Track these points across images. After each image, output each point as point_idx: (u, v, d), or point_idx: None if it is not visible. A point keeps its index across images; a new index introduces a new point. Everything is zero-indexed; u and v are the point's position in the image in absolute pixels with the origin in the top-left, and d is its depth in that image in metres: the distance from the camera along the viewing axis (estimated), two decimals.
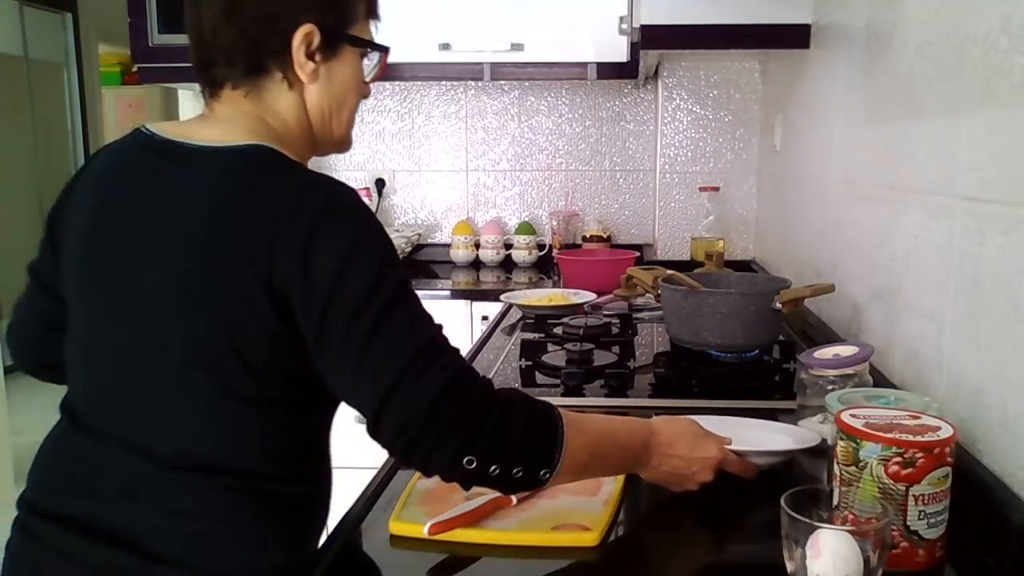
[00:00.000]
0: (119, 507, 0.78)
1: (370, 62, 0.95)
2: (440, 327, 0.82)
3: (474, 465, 0.74)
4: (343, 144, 0.96)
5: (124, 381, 0.81)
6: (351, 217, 0.78)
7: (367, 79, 0.94)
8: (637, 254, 2.30)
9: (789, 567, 0.66)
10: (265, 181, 0.79)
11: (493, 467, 0.75)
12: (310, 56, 0.86)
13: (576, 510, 0.86)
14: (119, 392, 0.81)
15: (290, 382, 0.80)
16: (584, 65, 2.42)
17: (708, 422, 0.98)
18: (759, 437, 1.02)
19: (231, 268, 0.76)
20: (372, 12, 0.92)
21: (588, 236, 2.67)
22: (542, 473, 0.78)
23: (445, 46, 2.40)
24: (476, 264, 2.78)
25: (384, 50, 0.94)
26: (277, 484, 0.81)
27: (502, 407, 0.77)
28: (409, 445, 0.74)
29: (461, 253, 2.75)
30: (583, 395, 1.30)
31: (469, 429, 0.74)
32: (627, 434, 0.89)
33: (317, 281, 0.74)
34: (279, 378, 0.79)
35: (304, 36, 0.85)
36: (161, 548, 0.76)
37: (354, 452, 1.43)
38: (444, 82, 2.76)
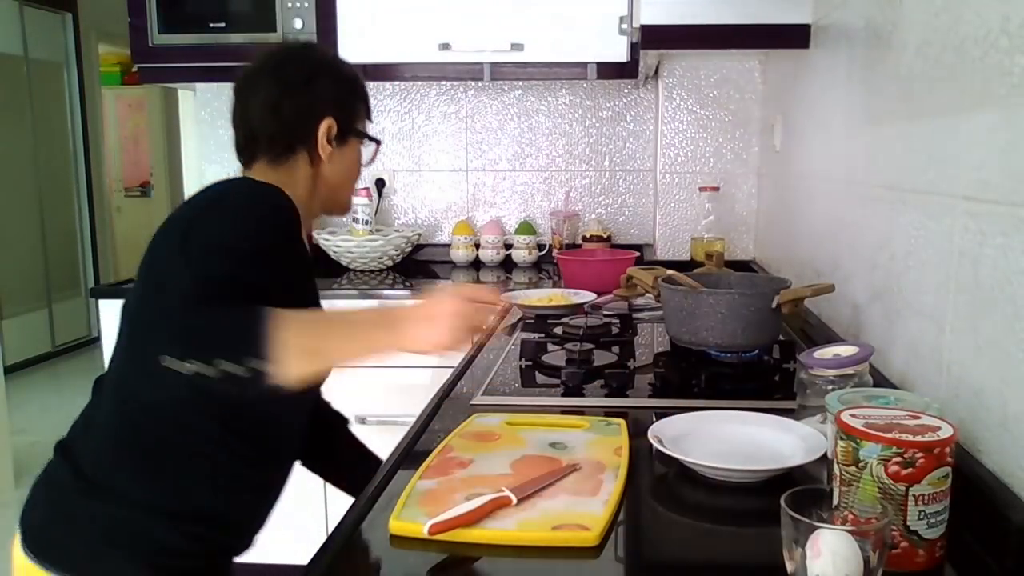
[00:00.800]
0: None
1: (367, 150, 1.29)
2: None
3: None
4: (347, 208, 1.30)
5: None
6: None
7: (364, 162, 1.28)
8: (637, 254, 2.30)
9: (789, 567, 0.66)
10: None
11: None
12: (328, 142, 1.19)
13: (576, 510, 0.86)
14: None
15: None
16: (584, 65, 2.42)
17: (718, 417, 1.07)
18: (767, 436, 1.02)
19: None
20: (368, 114, 1.27)
21: (588, 236, 2.67)
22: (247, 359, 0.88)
23: (445, 46, 2.40)
24: (476, 264, 2.78)
25: (378, 142, 1.28)
26: None
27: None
28: None
29: (461, 253, 2.75)
30: (583, 395, 1.30)
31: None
32: (352, 314, 1.00)
33: None
34: None
35: (327, 128, 1.19)
36: None
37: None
38: (444, 82, 2.76)
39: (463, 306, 0.96)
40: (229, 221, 1.01)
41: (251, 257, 0.99)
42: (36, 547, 1.04)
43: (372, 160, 1.30)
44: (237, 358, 0.87)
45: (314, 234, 2.64)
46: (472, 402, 1.27)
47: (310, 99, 1.17)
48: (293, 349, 0.88)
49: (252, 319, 0.89)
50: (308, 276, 1.19)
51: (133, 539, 1.02)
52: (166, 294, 0.96)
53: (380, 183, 2.85)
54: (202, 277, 0.94)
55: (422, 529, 0.81)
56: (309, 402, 1.28)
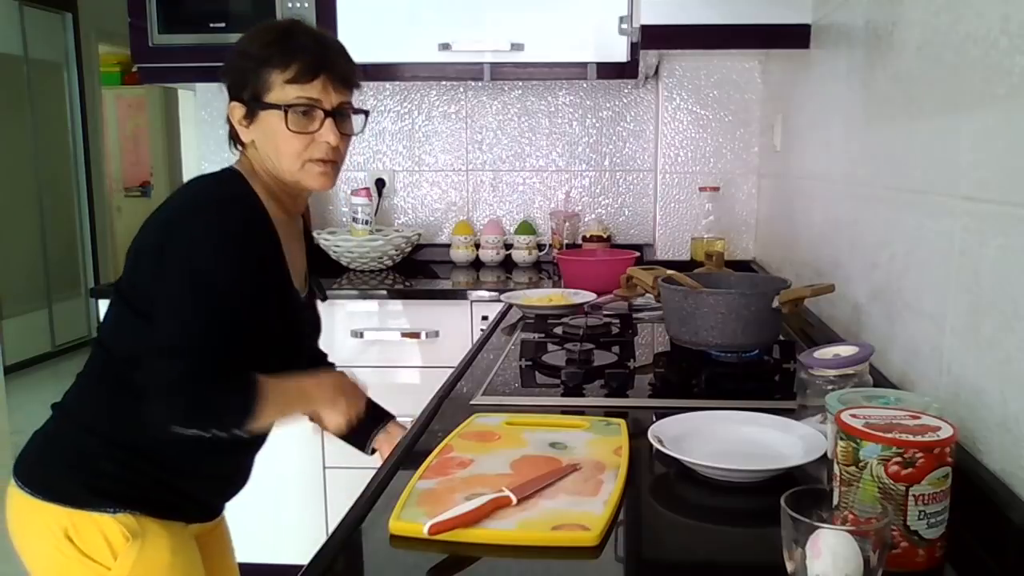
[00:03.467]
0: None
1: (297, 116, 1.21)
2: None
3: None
4: (301, 182, 1.24)
5: None
6: None
7: (292, 128, 1.19)
8: (637, 254, 2.29)
9: (789, 567, 0.66)
10: None
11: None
12: (240, 124, 1.23)
13: (576, 510, 0.86)
14: None
15: None
16: (584, 65, 2.42)
17: (718, 417, 1.07)
18: (767, 436, 1.02)
19: None
20: (294, 78, 1.18)
21: (588, 236, 2.67)
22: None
23: (445, 46, 2.40)
24: (476, 264, 2.78)
25: (285, 108, 1.19)
26: None
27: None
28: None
29: (461, 253, 2.75)
30: (583, 395, 1.30)
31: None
32: (304, 387, 1.26)
33: None
34: None
35: (232, 111, 1.23)
36: None
37: (354, 452, 1.43)
38: (444, 82, 2.76)
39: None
40: (194, 251, 1.13)
41: (221, 294, 1.12)
42: (17, 468, 1.23)
43: (363, 130, 1.30)
44: (227, 429, 1.14)
45: (314, 234, 2.64)
46: (472, 402, 1.27)
47: (227, 88, 1.23)
48: (267, 417, 1.16)
49: (240, 401, 1.13)
50: (279, 268, 1.25)
51: (80, 458, 1.20)
52: (154, 331, 1.13)
53: (380, 183, 2.85)
54: (183, 332, 1.11)
55: (422, 529, 0.81)
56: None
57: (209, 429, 1.12)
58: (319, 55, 1.20)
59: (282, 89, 1.18)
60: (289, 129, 1.18)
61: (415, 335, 2.30)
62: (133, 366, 1.14)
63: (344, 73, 1.23)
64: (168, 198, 1.22)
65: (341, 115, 1.23)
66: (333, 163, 1.24)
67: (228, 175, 1.24)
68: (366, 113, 1.31)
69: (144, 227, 1.20)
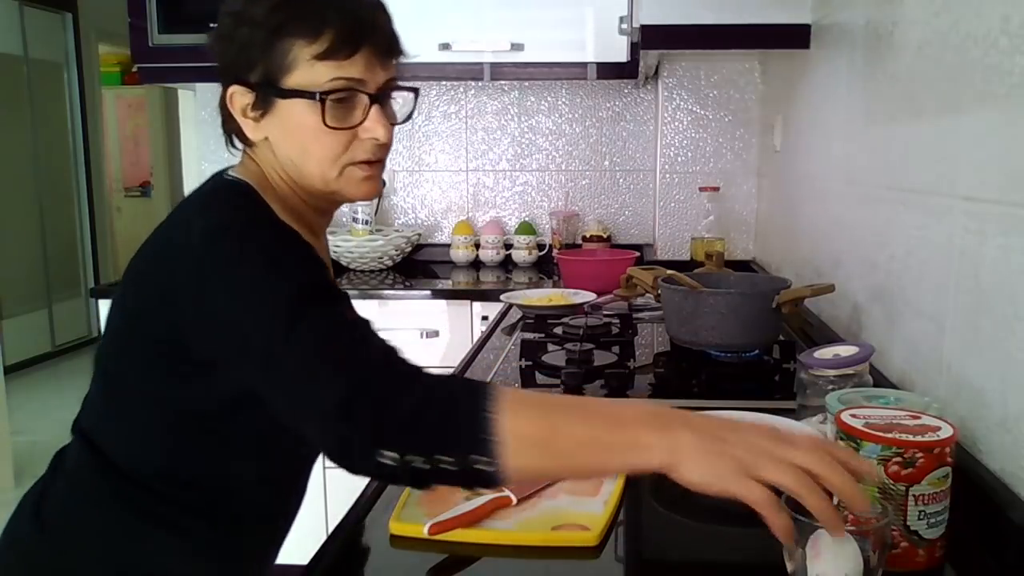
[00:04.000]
0: None
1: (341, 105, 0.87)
2: None
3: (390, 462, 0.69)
4: (340, 192, 0.92)
5: None
6: None
7: (331, 123, 0.86)
8: (637, 254, 2.30)
9: (789, 567, 0.66)
10: None
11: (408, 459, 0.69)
12: (247, 116, 0.89)
13: (576, 510, 0.86)
14: None
15: None
16: (584, 65, 2.42)
17: (720, 415, 1.01)
18: None
19: None
20: (327, 52, 0.84)
21: (588, 236, 2.67)
22: (474, 460, 0.67)
23: (445, 46, 2.40)
24: (476, 264, 2.78)
25: (321, 96, 0.85)
26: None
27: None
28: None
29: (461, 253, 2.75)
30: (583, 395, 1.30)
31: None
32: (606, 403, 0.76)
33: None
34: None
35: (231, 99, 0.89)
36: None
37: None
38: (444, 82, 2.75)
39: (813, 449, 0.64)
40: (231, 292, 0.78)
41: None
42: None
43: (411, 116, 0.96)
44: (456, 454, 0.69)
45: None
46: None
47: (219, 68, 0.89)
48: (521, 445, 0.69)
49: (472, 403, 0.70)
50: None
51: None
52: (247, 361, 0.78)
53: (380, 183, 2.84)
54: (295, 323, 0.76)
55: (422, 529, 0.81)
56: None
57: (413, 448, 0.69)
58: (358, 16, 0.86)
59: (311, 68, 0.84)
60: (327, 125, 0.86)
61: (415, 335, 2.30)
62: (162, 495, 0.86)
63: (390, 39, 0.89)
64: (164, 228, 0.86)
65: (385, 98, 0.91)
66: (380, 163, 0.93)
67: (242, 192, 0.88)
68: (415, 91, 0.95)
69: (138, 272, 0.86)
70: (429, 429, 0.69)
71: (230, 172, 0.91)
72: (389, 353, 0.75)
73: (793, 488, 0.61)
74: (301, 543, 1.13)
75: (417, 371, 0.73)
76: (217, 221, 0.82)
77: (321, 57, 0.84)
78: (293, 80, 0.85)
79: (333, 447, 0.71)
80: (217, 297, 0.77)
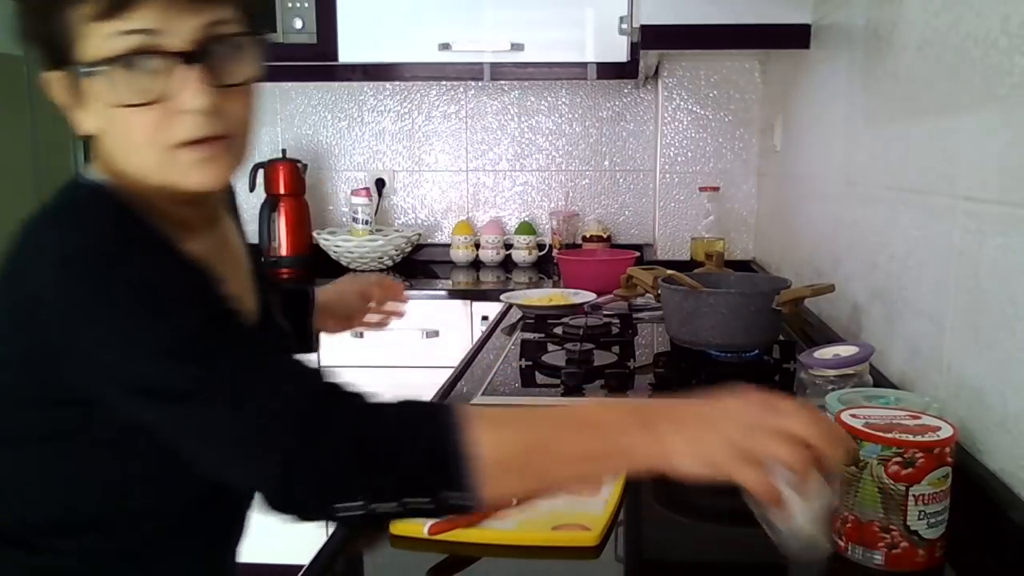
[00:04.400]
0: None
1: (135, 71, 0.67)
2: None
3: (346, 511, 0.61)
4: (175, 183, 0.71)
5: None
6: None
7: (126, 97, 0.68)
8: (637, 254, 2.30)
9: (776, 539, 0.66)
10: None
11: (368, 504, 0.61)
12: (65, 101, 0.73)
13: (576, 510, 0.86)
14: None
15: None
16: (584, 65, 2.42)
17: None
18: None
19: None
20: (103, 9, 0.65)
21: (588, 236, 2.67)
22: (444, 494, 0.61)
23: (445, 46, 2.40)
24: (476, 264, 2.78)
25: (106, 63, 0.67)
26: None
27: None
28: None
29: (461, 253, 2.75)
30: (583, 395, 1.30)
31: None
32: (581, 410, 0.69)
33: None
34: None
35: (46, 84, 0.74)
36: None
37: None
38: (444, 82, 2.75)
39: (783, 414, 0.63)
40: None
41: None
42: None
43: (258, 72, 0.73)
44: (417, 492, 0.63)
45: (314, 234, 2.64)
46: (472, 402, 1.27)
47: (30, 46, 0.73)
48: (498, 470, 0.63)
49: (433, 429, 0.64)
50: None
51: None
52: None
53: (380, 183, 2.85)
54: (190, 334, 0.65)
55: (422, 529, 0.81)
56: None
57: (378, 496, 0.62)
58: None
59: (95, 33, 0.67)
60: (124, 103, 0.68)
61: (415, 335, 2.30)
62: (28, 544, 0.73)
63: None
64: (15, 253, 0.75)
65: (212, 54, 0.69)
66: (220, 139, 0.71)
67: (101, 200, 0.72)
68: (258, 35, 0.73)
69: None
70: (391, 473, 0.62)
71: (89, 171, 0.75)
72: (322, 392, 0.65)
73: (791, 466, 0.61)
74: (301, 543, 1.13)
75: (364, 407, 0.64)
76: (75, 247, 0.68)
77: (99, 16, 0.66)
78: (81, 52, 0.68)
79: (283, 510, 0.63)
80: (92, 353, 0.65)
